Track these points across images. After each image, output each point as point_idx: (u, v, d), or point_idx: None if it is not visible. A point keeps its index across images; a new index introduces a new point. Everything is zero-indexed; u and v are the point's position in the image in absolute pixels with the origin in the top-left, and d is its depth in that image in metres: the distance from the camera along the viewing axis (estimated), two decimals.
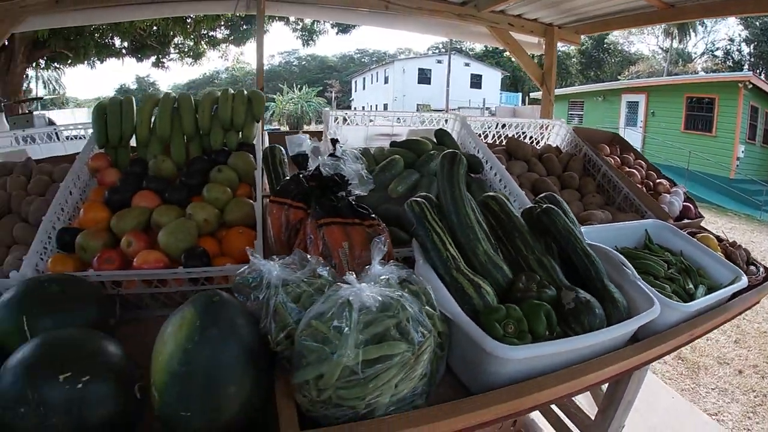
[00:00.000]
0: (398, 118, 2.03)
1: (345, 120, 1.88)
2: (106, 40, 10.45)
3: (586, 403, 1.99)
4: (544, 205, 1.27)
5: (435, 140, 1.97)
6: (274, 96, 34.21)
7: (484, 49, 38.82)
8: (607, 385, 1.57)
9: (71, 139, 2.07)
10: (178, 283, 1.18)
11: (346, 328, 0.75)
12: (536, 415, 2.28)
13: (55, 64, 11.55)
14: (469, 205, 1.19)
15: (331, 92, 42.24)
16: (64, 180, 1.48)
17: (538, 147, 2.45)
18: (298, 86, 35.65)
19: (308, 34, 11.98)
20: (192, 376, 0.76)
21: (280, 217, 1.22)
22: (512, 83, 39.81)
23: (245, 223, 1.35)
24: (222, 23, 11.39)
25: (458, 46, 36.08)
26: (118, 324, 1.09)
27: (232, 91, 1.69)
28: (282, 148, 1.66)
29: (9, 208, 1.60)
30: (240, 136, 1.71)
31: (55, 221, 1.34)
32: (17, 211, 1.58)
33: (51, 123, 5.62)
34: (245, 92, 1.69)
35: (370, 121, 1.93)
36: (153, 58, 12.54)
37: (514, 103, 31.94)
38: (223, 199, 1.38)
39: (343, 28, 12.28)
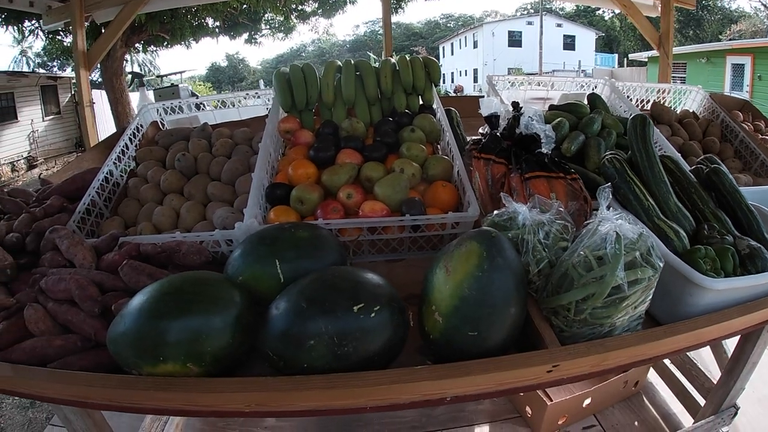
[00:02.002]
0: (552, 84, 2.08)
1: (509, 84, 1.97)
2: (200, 21, 10.58)
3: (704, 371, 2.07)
4: (713, 165, 1.37)
5: (587, 104, 2.02)
6: None
7: (576, 8, 36.18)
8: (734, 346, 1.63)
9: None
10: (400, 230, 1.32)
11: (618, 253, 0.87)
12: (656, 380, 2.33)
13: (152, 47, 11.69)
14: (659, 162, 1.30)
15: None
16: (263, 141, 1.62)
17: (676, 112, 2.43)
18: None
19: (397, 2, 11.65)
20: (482, 300, 0.86)
21: (485, 172, 1.35)
22: (606, 44, 37.03)
23: (444, 177, 1.48)
24: None
25: (549, 6, 33.39)
26: None
27: (409, 58, 1.80)
28: (456, 111, 1.77)
29: (195, 169, 1.76)
30: (420, 99, 1.82)
31: (263, 178, 1.50)
32: (204, 171, 1.74)
33: (193, 94, 6.08)
34: (421, 58, 1.80)
35: (528, 84, 2.00)
36: (245, 35, 12.87)
37: (610, 65, 29.95)
38: (422, 156, 1.51)
39: None
